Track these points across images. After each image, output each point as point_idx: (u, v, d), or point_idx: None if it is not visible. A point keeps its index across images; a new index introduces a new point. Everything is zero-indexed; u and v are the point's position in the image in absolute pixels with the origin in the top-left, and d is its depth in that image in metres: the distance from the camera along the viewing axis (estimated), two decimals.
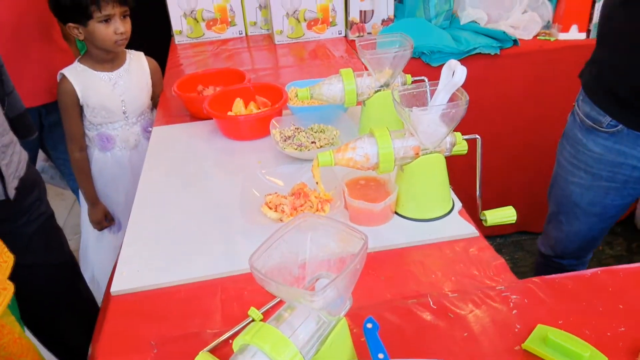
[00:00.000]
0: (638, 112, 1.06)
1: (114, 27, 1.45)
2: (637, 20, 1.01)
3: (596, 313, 0.77)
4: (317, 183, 0.99)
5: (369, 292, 0.85)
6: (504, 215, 0.99)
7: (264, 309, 0.81)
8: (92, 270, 1.80)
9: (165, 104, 1.62)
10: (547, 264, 1.49)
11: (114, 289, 0.89)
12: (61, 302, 1.34)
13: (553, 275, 0.84)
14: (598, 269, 0.85)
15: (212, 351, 0.74)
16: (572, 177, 1.26)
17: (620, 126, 1.11)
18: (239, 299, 0.85)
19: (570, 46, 1.87)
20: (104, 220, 1.72)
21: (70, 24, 1.46)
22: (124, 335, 0.80)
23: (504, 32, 1.86)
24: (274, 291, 0.58)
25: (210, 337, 0.77)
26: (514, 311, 0.77)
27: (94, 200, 1.69)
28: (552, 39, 1.91)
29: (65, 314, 1.36)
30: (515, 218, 0.99)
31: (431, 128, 0.91)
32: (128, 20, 1.50)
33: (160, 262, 0.94)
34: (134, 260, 0.94)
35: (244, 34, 2.16)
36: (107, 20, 1.44)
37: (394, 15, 2.05)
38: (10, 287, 0.87)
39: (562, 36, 1.90)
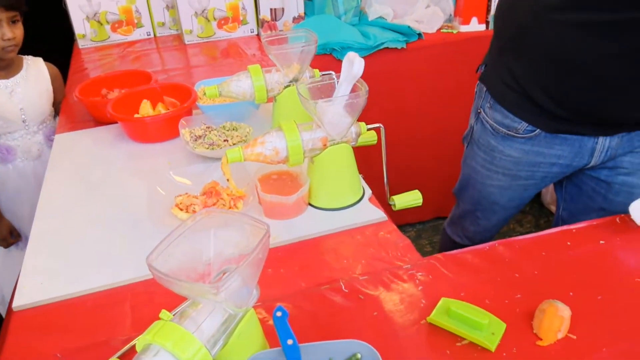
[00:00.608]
0: (553, 116, 1.06)
1: (1, 33, 1.37)
2: (558, 35, 0.98)
3: (494, 283, 0.82)
4: (228, 180, 0.98)
5: (285, 283, 0.86)
6: (411, 199, 1.03)
7: (176, 310, 0.79)
8: (1, 289, 1.69)
9: (68, 111, 1.55)
10: (458, 244, 1.54)
11: (15, 304, 0.84)
12: None
13: (455, 251, 0.88)
14: (496, 242, 0.91)
15: (122, 357, 0.72)
16: (489, 181, 1.26)
17: (537, 130, 1.10)
18: (149, 303, 0.83)
19: (471, 37, 1.97)
20: (10, 236, 1.61)
21: None
22: (27, 350, 0.76)
23: (409, 27, 1.94)
24: (176, 289, 0.57)
25: (120, 344, 0.75)
26: (420, 287, 0.81)
27: None
28: (454, 31, 2.01)
29: None
30: (421, 201, 1.03)
31: (336, 119, 0.93)
32: (18, 25, 1.42)
33: (65, 273, 0.89)
34: (37, 273, 0.90)
35: (152, 35, 2.10)
36: None
37: (304, 13, 2.07)
38: None
39: (464, 28, 2.00)
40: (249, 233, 0.64)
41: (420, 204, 1.04)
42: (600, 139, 1.08)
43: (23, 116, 1.51)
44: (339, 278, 0.84)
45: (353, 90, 0.93)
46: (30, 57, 1.57)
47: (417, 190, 1.04)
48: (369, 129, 1.00)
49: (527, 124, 1.11)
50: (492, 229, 1.40)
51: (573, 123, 1.07)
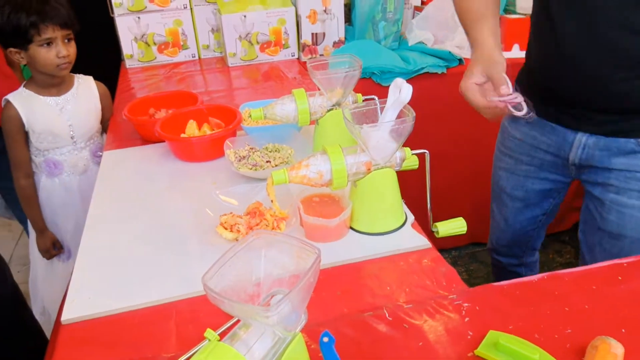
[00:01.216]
0: (543, 101, 1.16)
1: (56, 50, 1.43)
2: (539, 11, 1.12)
3: (544, 317, 0.80)
4: (272, 201, 0.99)
5: (326, 307, 0.85)
6: (455, 226, 1.02)
7: (220, 329, 0.80)
8: (42, 301, 1.73)
9: (115, 128, 1.60)
10: (495, 265, 1.58)
11: (64, 317, 0.86)
12: (4, 336, 1.28)
13: (502, 282, 0.87)
14: (544, 274, 0.88)
15: None
16: (500, 163, 1.35)
17: (531, 115, 1.19)
18: (194, 321, 0.83)
19: (513, 64, 1.93)
20: (52, 248, 1.66)
21: (12, 49, 1.42)
22: None
23: (450, 52, 1.94)
24: (228, 310, 0.58)
25: None
26: (466, 319, 0.79)
27: (41, 228, 1.63)
28: None
29: (9, 348, 1.29)
30: (465, 229, 1.02)
31: (381, 144, 0.94)
32: (72, 44, 1.48)
33: (112, 288, 0.91)
34: (85, 287, 0.92)
35: (196, 57, 2.16)
36: (48, 43, 1.42)
37: (345, 38, 2.10)
38: None
39: (505, 55, 1.98)
40: (298, 256, 0.65)
41: (464, 232, 1.02)
42: (579, 135, 1.13)
43: (71, 132, 1.57)
44: (382, 305, 0.83)
45: (399, 116, 0.94)
46: (81, 76, 1.63)
47: (461, 218, 1.03)
48: (413, 154, 1.00)
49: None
50: (505, 227, 1.43)
51: (556, 109, 1.15)
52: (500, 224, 1.44)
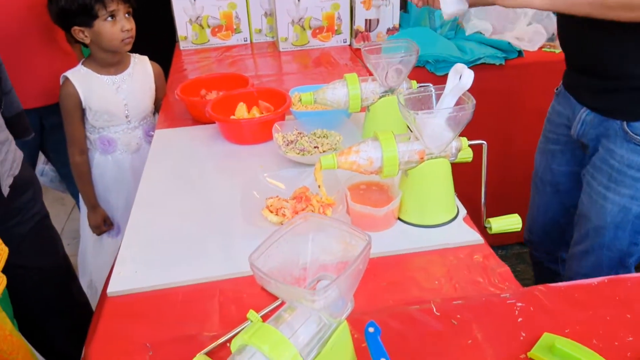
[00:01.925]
0: (569, 73, 1.20)
1: (120, 24, 1.46)
2: None
3: (603, 322, 0.75)
4: (319, 186, 0.97)
5: (371, 297, 0.83)
6: (509, 223, 0.97)
7: (263, 312, 0.79)
8: (90, 274, 1.78)
9: (167, 108, 1.62)
10: (532, 261, 1.58)
11: (110, 289, 0.87)
12: (53, 306, 1.32)
13: (559, 284, 0.82)
14: (605, 277, 0.83)
15: (209, 354, 0.72)
16: (539, 144, 1.36)
17: (560, 86, 1.24)
18: (237, 301, 0.83)
19: None
20: (103, 224, 1.70)
21: (76, 28, 1.45)
22: (118, 336, 0.78)
23: (509, 43, 1.85)
24: (274, 290, 0.56)
25: (207, 340, 0.75)
26: (519, 319, 0.75)
27: (93, 204, 1.68)
28: (557, 51, 1.90)
29: (56, 318, 1.34)
30: (520, 226, 0.97)
31: (437, 132, 0.90)
32: (132, 19, 1.50)
33: (158, 264, 0.92)
34: (132, 262, 0.93)
35: (248, 41, 2.16)
36: (112, 17, 1.44)
37: (399, 25, 2.05)
38: (2, 280, 0.85)
39: None
40: (347, 242, 0.62)
41: (519, 230, 0.98)
42: (582, 110, 1.14)
43: (126, 111, 1.59)
44: (430, 299, 0.80)
45: (458, 103, 0.90)
46: (137, 56, 1.66)
47: (516, 214, 0.98)
48: (470, 145, 0.95)
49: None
50: (537, 214, 1.42)
51: (569, 76, 1.20)
52: (533, 212, 1.43)
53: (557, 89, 1.25)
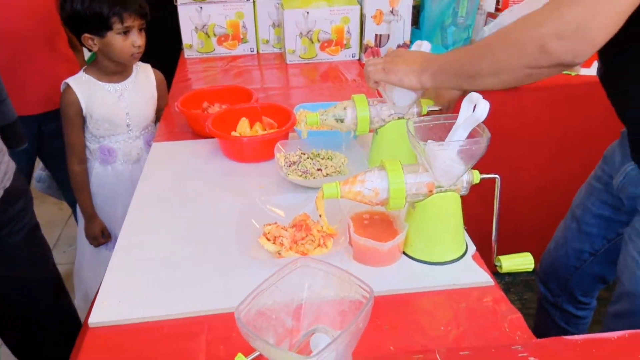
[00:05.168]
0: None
1: (132, 39, 1.41)
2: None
3: None
4: (320, 216, 0.92)
5: (370, 342, 0.76)
6: (521, 262, 0.91)
7: (253, 355, 0.73)
8: (85, 286, 1.73)
9: (168, 119, 1.56)
10: (538, 299, 1.46)
11: (92, 320, 0.81)
12: (40, 317, 1.27)
13: (575, 337, 0.75)
14: (625, 332, 0.76)
15: None
16: (589, 176, 1.27)
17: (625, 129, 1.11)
18: (226, 340, 0.77)
19: (591, 82, 1.78)
20: (101, 236, 1.64)
21: (86, 35, 1.41)
22: None
23: None
24: (260, 349, 0.50)
25: None
26: None
27: (91, 215, 1.62)
28: (573, 73, 1.84)
29: (44, 330, 1.29)
30: (532, 266, 0.91)
31: (447, 164, 0.84)
32: (143, 34, 1.46)
33: (144, 293, 0.86)
34: (116, 290, 0.87)
35: (255, 52, 2.11)
36: (126, 32, 1.40)
37: (410, 41, 2.00)
38: None
39: (584, 71, 1.83)
40: (347, 292, 0.57)
41: (531, 270, 0.91)
42: (629, 163, 1.04)
43: (128, 120, 1.54)
44: (434, 348, 0.73)
45: (471, 135, 0.84)
46: (140, 63, 1.61)
47: (528, 253, 0.92)
48: (482, 179, 0.89)
49: None
50: (554, 251, 1.34)
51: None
52: (552, 243, 1.36)
53: (622, 131, 1.12)
